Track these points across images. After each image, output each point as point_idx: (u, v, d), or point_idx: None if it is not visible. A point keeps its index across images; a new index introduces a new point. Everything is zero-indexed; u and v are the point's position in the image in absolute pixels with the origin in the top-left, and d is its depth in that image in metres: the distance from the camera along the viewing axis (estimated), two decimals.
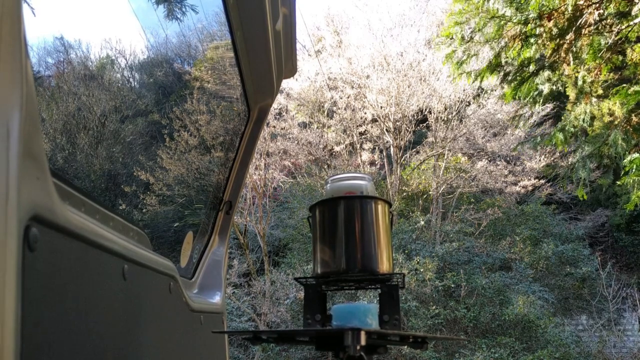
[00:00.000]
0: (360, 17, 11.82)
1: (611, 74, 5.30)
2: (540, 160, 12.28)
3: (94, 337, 0.70)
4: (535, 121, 11.59)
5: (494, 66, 4.92)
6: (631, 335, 10.35)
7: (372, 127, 12.02)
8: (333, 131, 12.39)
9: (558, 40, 4.40)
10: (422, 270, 8.74)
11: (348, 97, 11.66)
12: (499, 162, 12.26)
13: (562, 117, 5.29)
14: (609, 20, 4.30)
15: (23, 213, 0.49)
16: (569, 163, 6.33)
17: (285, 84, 11.00)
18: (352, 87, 11.55)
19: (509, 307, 8.75)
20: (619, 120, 4.75)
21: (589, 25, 4.26)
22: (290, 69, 1.87)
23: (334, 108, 12.07)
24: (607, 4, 4.18)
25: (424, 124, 12.22)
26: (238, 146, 1.93)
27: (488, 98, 11.36)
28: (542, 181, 12.82)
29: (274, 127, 11.54)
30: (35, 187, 0.51)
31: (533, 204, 12.69)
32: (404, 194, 12.28)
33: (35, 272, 0.52)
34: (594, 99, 4.90)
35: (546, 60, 4.79)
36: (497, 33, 4.71)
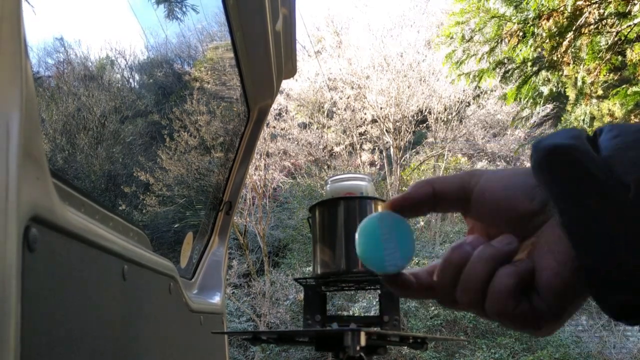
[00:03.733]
0: (360, 18, 11.84)
1: (611, 75, 5.29)
2: None
3: (94, 337, 0.70)
4: (535, 122, 11.59)
5: (492, 64, 4.92)
6: (631, 336, 10.35)
7: (371, 127, 12.01)
8: (333, 132, 12.39)
9: (557, 38, 4.40)
10: None
11: (348, 98, 11.66)
12: (499, 163, 12.25)
13: (562, 118, 5.28)
14: (608, 20, 4.29)
15: (23, 213, 0.49)
16: None
17: (285, 84, 11.00)
18: (352, 88, 11.55)
19: None
20: (617, 120, 4.75)
21: (589, 25, 4.26)
22: (290, 70, 1.87)
23: (334, 108, 12.06)
24: (607, 4, 4.18)
25: (424, 125, 12.22)
26: (238, 146, 1.93)
27: (488, 99, 11.37)
28: None
29: (274, 127, 11.53)
30: (35, 188, 0.51)
31: None
32: None
33: (35, 272, 0.52)
34: (593, 100, 4.89)
35: (545, 60, 4.79)
36: (496, 33, 4.71)
